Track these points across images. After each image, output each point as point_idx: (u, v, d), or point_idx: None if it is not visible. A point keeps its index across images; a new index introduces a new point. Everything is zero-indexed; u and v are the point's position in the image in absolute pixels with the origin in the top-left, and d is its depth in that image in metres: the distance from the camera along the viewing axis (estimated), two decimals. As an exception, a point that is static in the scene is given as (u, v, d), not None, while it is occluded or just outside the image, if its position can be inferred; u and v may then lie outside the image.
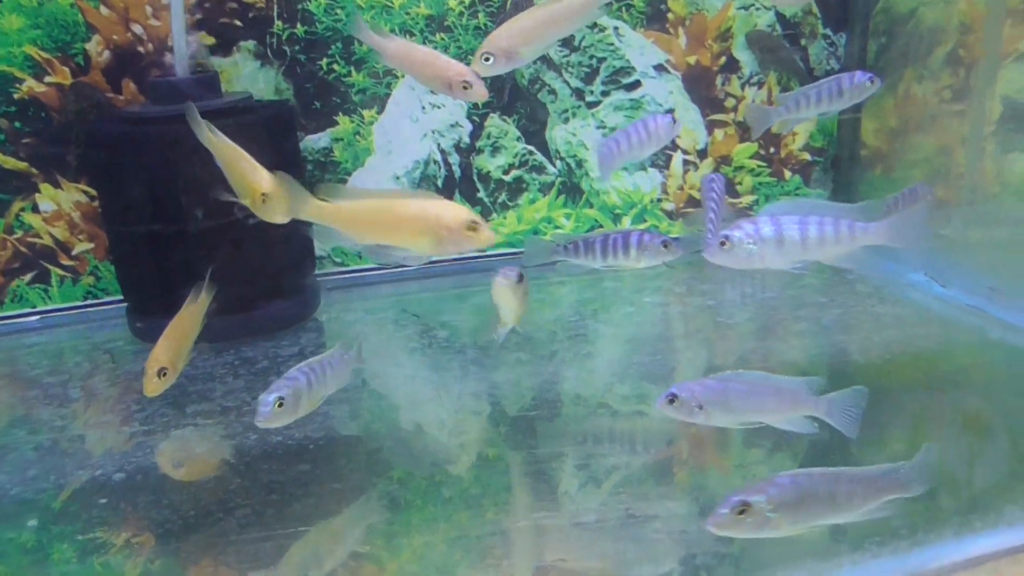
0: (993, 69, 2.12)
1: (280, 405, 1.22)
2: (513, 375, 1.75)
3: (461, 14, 2.14)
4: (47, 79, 1.95)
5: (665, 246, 1.56)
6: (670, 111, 1.78)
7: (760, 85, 2.34)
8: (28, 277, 2.04)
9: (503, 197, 2.28)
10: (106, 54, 1.97)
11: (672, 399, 1.16)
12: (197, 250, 1.81)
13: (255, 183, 1.37)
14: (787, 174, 2.41)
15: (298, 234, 1.99)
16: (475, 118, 2.23)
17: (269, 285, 1.92)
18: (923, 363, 1.77)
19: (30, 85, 1.94)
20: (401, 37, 1.80)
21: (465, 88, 1.45)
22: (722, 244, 1.22)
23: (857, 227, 1.22)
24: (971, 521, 1.25)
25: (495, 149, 2.25)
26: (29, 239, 2.02)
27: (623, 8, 2.23)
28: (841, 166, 2.44)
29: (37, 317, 2.06)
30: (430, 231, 1.27)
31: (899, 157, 2.35)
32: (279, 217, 1.35)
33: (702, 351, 1.90)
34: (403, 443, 1.56)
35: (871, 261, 1.27)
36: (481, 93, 1.45)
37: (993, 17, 2.15)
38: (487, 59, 1.44)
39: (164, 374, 1.43)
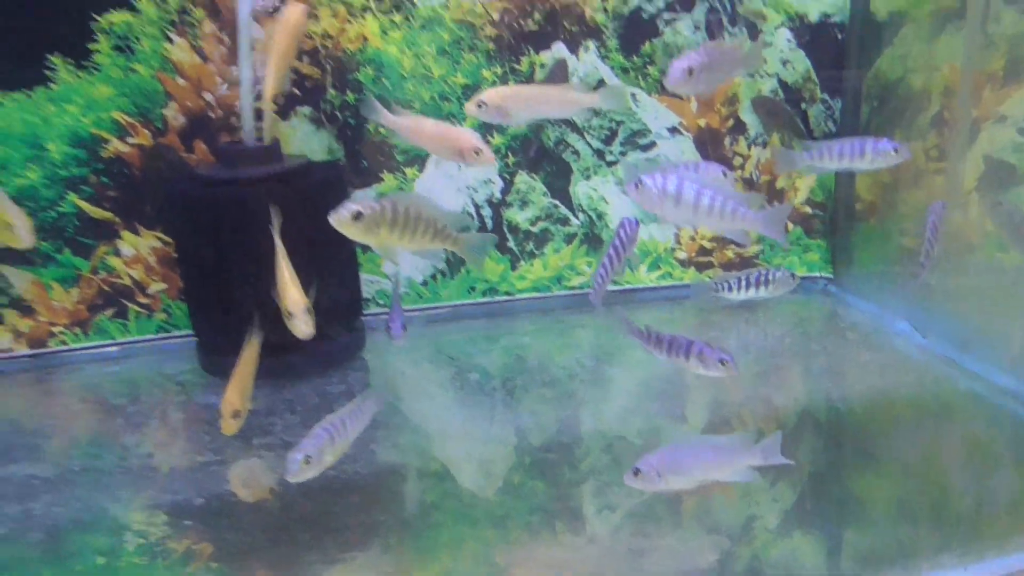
0: (974, 130, 2.35)
1: (307, 462, 1.39)
2: (538, 412, 1.99)
3: (494, 83, 2.39)
4: (130, 140, 2.21)
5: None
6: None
7: (764, 145, 2.57)
8: (109, 312, 2.30)
9: (530, 246, 2.52)
10: (181, 119, 2.24)
11: (636, 472, 1.39)
12: (259, 294, 2.06)
13: (285, 299, 1.69)
14: (789, 226, 2.63)
15: (350, 279, 2.25)
16: (505, 175, 2.47)
17: (322, 327, 2.17)
18: (894, 409, 2.00)
19: (116, 145, 2.21)
20: (413, 113, 2.05)
21: (477, 154, 1.68)
22: (636, 185, 1.50)
23: (740, 210, 1.48)
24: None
25: (523, 203, 2.49)
26: (111, 279, 2.28)
27: (639, 76, 2.47)
28: (838, 218, 2.65)
29: (116, 348, 2.33)
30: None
31: (891, 210, 2.56)
32: (300, 332, 1.66)
33: (706, 392, 2.13)
34: (439, 475, 1.80)
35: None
36: (489, 158, 1.70)
37: (970, 82, 2.38)
38: (480, 106, 1.69)
39: (238, 415, 1.69)
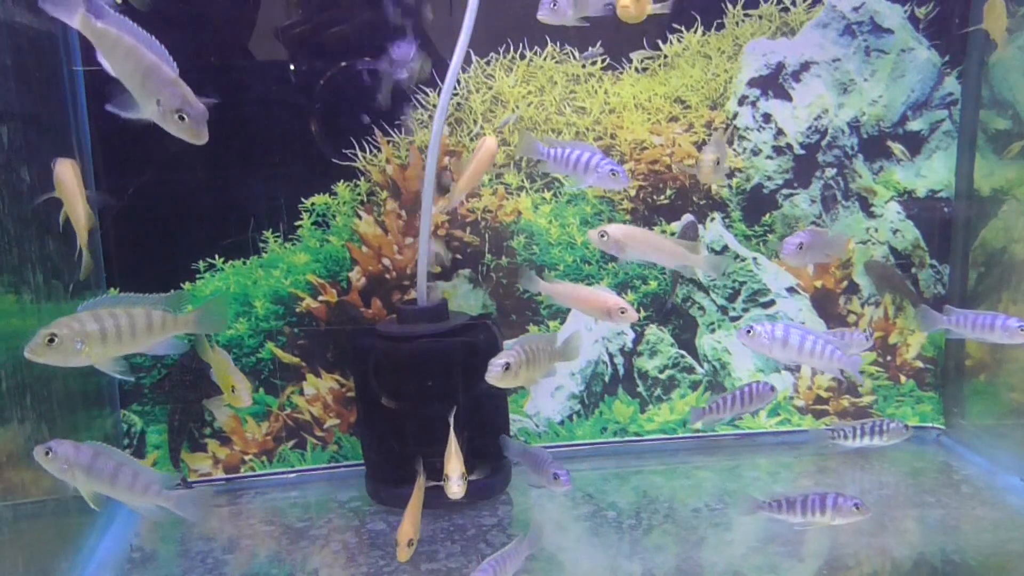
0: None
1: None
2: (671, 550, 2.21)
3: (629, 249, 2.71)
4: (320, 298, 2.62)
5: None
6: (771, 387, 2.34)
7: (877, 304, 2.79)
8: (291, 444, 2.67)
9: (658, 392, 2.79)
10: (362, 280, 2.63)
11: None
12: (426, 434, 2.38)
13: (448, 464, 2.04)
14: (902, 379, 2.82)
15: (501, 421, 2.55)
16: (637, 328, 2.76)
17: (478, 462, 2.47)
18: (1008, 566, 2.13)
19: (308, 302, 2.61)
20: (564, 281, 2.41)
21: (622, 313, 2.05)
22: (748, 332, 1.95)
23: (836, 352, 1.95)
24: None
25: (653, 353, 2.78)
26: (294, 415, 2.66)
27: (760, 243, 2.75)
28: (949, 374, 2.83)
29: (294, 474, 2.68)
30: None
31: (1000, 367, 2.73)
32: (453, 495, 2.01)
33: (824, 540, 2.30)
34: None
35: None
36: (633, 316, 2.06)
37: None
38: (602, 235, 2.03)
39: (411, 544, 1.98)
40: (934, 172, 2.72)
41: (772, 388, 2.28)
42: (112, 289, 2.47)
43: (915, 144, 2.72)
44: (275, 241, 2.57)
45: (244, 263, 2.56)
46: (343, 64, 2.50)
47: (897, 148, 2.71)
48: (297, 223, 2.57)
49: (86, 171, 2.35)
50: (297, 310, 2.61)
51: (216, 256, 2.54)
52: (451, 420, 2.09)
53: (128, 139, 2.34)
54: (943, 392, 2.84)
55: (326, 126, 2.54)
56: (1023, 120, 2.62)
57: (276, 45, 2.50)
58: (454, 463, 2.03)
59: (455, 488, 2.01)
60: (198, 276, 2.54)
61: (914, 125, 2.70)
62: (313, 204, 2.58)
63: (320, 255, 2.60)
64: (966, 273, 2.74)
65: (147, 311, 1.70)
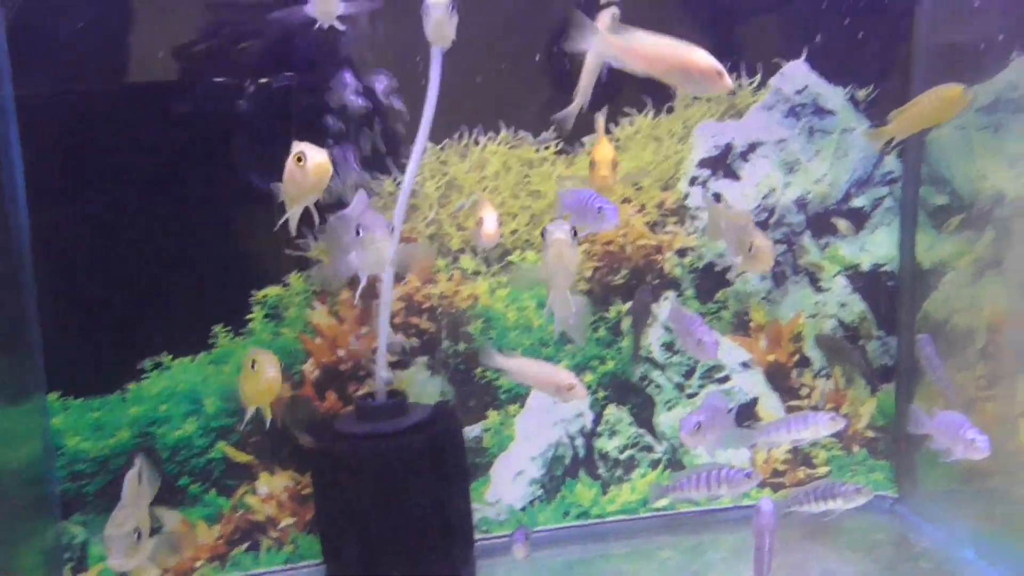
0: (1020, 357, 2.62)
1: None
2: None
3: (585, 330, 2.70)
4: (272, 392, 2.52)
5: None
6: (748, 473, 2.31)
7: (828, 376, 2.84)
8: (244, 546, 2.55)
9: (619, 472, 2.77)
10: (317, 372, 2.55)
11: None
12: (386, 535, 2.31)
13: None
14: (855, 448, 2.87)
15: (467, 515, 2.49)
16: (596, 409, 2.75)
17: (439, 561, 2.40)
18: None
19: (260, 398, 2.52)
20: (521, 357, 2.39)
21: (570, 390, 2.08)
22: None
23: None
24: None
25: (612, 432, 2.76)
26: (248, 517, 2.54)
27: (714, 320, 2.77)
28: (900, 440, 2.89)
29: (248, 578, 2.56)
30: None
31: (949, 433, 2.80)
32: None
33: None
34: None
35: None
36: (581, 394, 2.09)
37: (1013, 318, 2.67)
38: None
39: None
40: (878, 247, 2.79)
41: (748, 475, 2.21)
42: (52, 393, 2.35)
43: (859, 220, 2.79)
44: (225, 336, 2.47)
45: (192, 360, 2.46)
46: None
47: (842, 224, 2.78)
48: (248, 316, 2.49)
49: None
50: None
51: (164, 353, 2.43)
52: None
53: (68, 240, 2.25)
54: (895, 460, 2.89)
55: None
56: (960, 196, 2.72)
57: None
58: None
59: None
60: (144, 376, 2.43)
61: (857, 202, 2.78)
62: (265, 296, 2.50)
63: (272, 348, 2.51)
64: (912, 342, 2.81)
65: None
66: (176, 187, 2.43)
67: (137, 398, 2.41)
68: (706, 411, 2.14)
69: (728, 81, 1.62)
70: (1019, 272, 2.73)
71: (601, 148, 2.11)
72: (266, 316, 2.50)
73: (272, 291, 2.50)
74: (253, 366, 2.04)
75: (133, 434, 2.44)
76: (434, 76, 2.20)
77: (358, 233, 1.79)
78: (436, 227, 2.60)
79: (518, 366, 2.27)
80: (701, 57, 1.61)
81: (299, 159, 1.74)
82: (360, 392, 2.56)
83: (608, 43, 1.66)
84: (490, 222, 2.18)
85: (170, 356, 2.44)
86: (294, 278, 2.51)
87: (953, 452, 2.13)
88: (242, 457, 2.52)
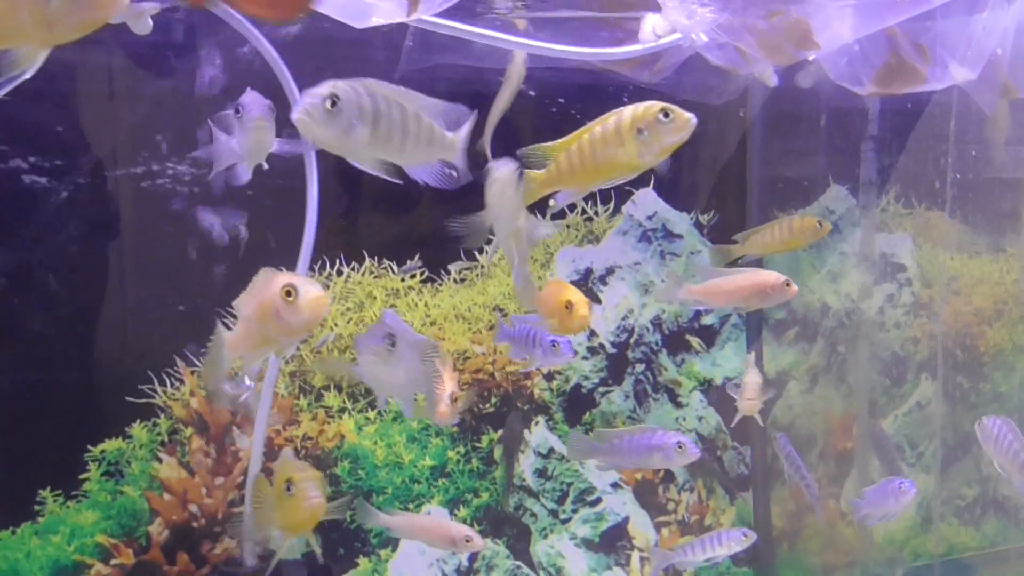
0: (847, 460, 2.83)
1: None
2: None
3: (459, 461, 2.60)
4: (113, 561, 2.20)
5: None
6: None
7: (692, 490, 2.89)
8: None
9: (498, 610, 2.64)
10: (165, 533, 2.26)
11: None
12: None
13: None
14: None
15: None
16: (471, 545, 2.62)
17: None
18: None
19: (98, 568, 2.18)
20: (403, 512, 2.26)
21: (467, 542, 1.96)
22: None
23: None
24: None
25: (489, 568, 2.63)
26: None
27: (583, 441, 2.76)
28: (759, 547, 2.97)
29: None
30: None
31: (797, 534, 2.96)
32: None
33: None
34: None
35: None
36: (479, 545, 1.96)
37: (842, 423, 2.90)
38: None
39: None
40: (728, 361, 2.92)
41: (746, 534, 2.28)
42: None
43: (709, 337, 2.92)
44: (54, 501, 2.14)
45: (13, 533, 2.10)
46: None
47: (695, 342, 2.90)
48: (83, 476, 2.17)
49: None
50: (83, 579, 2.17)
51: (-25, 529, 2.07)
52: None
53: None
54: (756, 566, 2.96)
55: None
56: (795, 311, 2.93)
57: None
58: None
59: None
60: (-50, 558, 2.04)
61: (707, 320, 2.91)
62: (103, 451, 2.20)
63: (112, 510, 2.20)
64: (765, 451, 2.93)
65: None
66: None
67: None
68: None
69: (795, 286, 2.04)
70: (845, 376, 2.97)
71: (568, 289, 1.82)
72: (104, 474, 2.19)
73: (111, 445, 2.20)
74: (289, 488, 1.59)
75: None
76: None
77: (237, 112, 1.55)
78: (297, 363, 2.44)
79: (404, 523, 2.11)
80: (769, 276, 2.03)
81: (288, 293, 1.38)
82: (215, 551, 2.29)
83: (690, 292, 2.09)
84: (443, 399, 1.90)
85: (-15, 531, 2.08)
86: (137, 428, 2.23)
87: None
88: (74, 642, 2.16)
